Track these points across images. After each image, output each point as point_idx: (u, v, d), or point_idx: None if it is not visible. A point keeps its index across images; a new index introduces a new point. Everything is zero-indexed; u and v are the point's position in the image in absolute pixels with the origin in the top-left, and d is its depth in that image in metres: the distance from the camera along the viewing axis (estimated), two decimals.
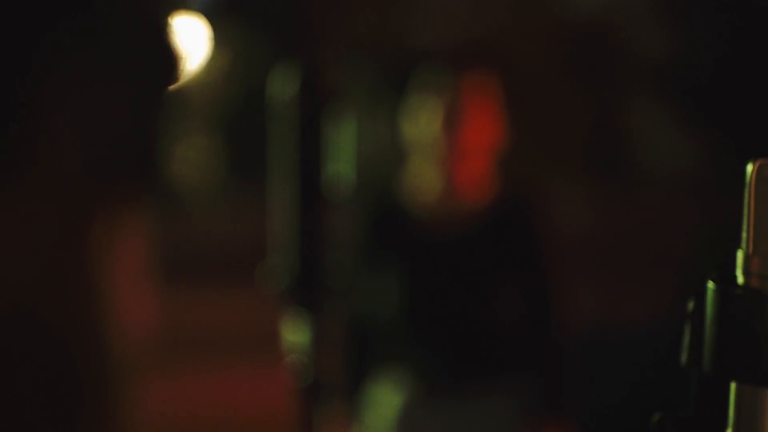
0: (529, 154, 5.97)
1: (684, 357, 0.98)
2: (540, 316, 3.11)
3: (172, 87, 0.86)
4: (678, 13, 6.15)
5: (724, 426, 0.95)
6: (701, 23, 6.12)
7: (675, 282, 4.85)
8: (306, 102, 2.13)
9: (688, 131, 6.10)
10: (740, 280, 0.95)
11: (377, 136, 5.45)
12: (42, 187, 0.79)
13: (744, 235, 0.95)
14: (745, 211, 0.94)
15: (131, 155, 0.85)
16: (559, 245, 3.12)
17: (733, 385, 0.95)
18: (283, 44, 5.52)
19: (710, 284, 0.96)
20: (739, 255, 0.95)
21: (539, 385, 3.14)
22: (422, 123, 3.08)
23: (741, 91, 6.07)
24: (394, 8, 5.71)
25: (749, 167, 0.92)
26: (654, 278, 5.21)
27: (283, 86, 2.08)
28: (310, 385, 2.22)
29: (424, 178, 3.13)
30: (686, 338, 0.98)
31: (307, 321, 2.13)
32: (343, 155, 2.14)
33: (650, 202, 5.78)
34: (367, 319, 3.12)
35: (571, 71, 6.20)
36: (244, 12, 6.11)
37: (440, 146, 3.06)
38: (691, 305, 0.98)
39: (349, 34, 5.84)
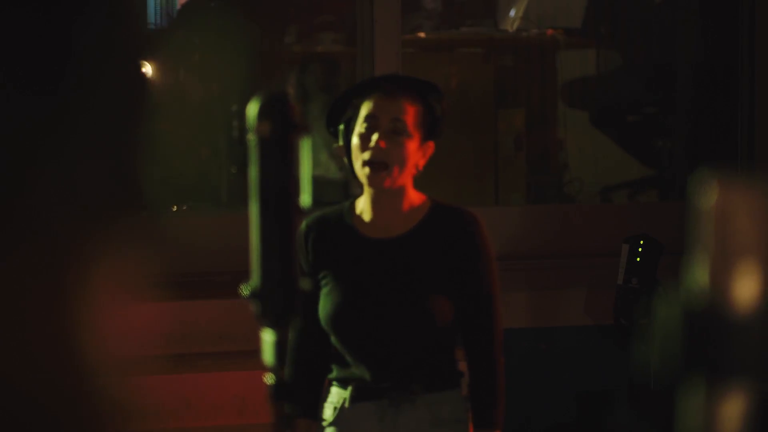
0: (461, 167, 6.11)
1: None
2: (474, 319, 3.18)
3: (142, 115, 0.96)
4: (611, 32, 6.33)
5: None
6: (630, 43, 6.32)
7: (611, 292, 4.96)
8: (273, 124, 2.27)
9: (616, 146, 6.28)
10: None
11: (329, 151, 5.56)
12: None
13: None
14: None
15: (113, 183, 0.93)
16: (493, 250, 3.18)
17: None
18: (246, 67, 5.61)
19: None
20: None
21: (473, 389, 3.20)
22: (355, 137, 3.15)
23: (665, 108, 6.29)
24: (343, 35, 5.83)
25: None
26: (588, 286, 5.34)
27: (251, 110, 2.22)
28: (273, 388, 2.33)
29: (359, 188, 3.21)
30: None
31: (273, 328, 2.26)
32: (302, 173, 2.28)
33: (582, 212, 5.90)
34: (312, 322, 3.18)
35: (504, 89, 6.37)
36: (207, 32, 6.17)
37: (362, 159, 3.13)
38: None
39: (305, 59, 5.93)
